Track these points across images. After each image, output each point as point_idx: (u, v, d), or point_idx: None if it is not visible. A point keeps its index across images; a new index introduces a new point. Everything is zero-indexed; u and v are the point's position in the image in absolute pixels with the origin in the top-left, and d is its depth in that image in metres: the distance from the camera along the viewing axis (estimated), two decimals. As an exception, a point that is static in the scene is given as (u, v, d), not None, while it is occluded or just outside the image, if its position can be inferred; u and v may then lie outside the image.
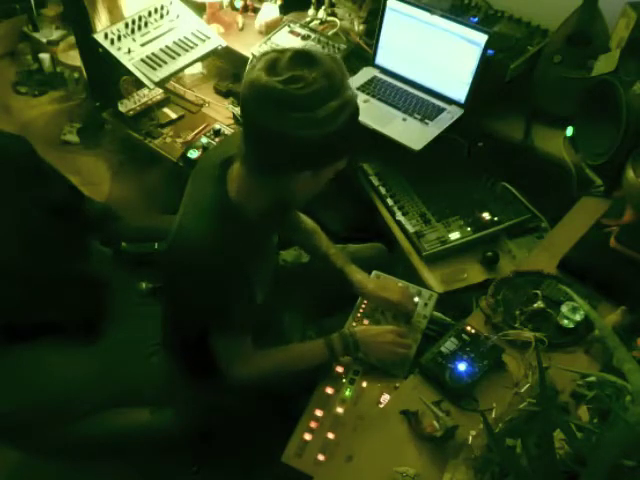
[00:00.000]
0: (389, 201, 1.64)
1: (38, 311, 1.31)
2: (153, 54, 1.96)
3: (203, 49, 2.02)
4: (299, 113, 0.93)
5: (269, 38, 2.02)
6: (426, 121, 1.69)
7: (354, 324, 1.37)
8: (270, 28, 2.07)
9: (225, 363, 1.23)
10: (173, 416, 1.44)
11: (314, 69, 0.94)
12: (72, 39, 2.55)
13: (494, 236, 1.55)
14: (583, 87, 1.53)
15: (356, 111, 1.00)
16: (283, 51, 0.97)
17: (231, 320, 1.17)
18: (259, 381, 1.29)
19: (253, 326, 1.22)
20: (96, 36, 1.94)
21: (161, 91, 2.21)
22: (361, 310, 1.40)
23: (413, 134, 1.64)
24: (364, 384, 1.25)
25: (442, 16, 1.65)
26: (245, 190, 1.10)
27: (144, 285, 1.59)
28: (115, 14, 2.17)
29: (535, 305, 1.24)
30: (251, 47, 2.00)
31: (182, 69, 2.01)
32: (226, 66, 2.36)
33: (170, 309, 1.36)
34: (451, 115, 1.70)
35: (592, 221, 1.41)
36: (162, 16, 2.06)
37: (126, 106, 2.16)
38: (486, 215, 1.56)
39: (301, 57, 0.95)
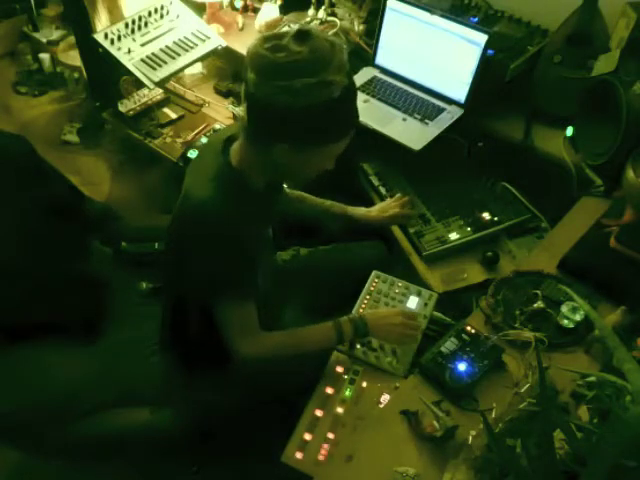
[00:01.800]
0: (389, 201, 1.64)
1: (38, 311, 1.31)
2: (153, 54, 1.96)
3: (203, 49, 2.02)
4: (278, 81, 0.98)
5: (269, 38, 2.02)
6: (426, 121, 1.69)
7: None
8: (270, 28, 2.07)
9: (231, 337, 1.21)
10: (173, 416, 1.44)
11: (304, 44, 0.99)
12: (72, 39, 2.54)
13: (494, 236, 1.54)
14: (583, 87, 1.53)
15: (338, 98, 1.01)
16: (292, 28, 1.03)
17: (236, 282, 1.17)
18: (265, 361, 1.27)
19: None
20: (96, 36, 1.94)
21: (161, 91, 2.21)
22: (361, 310, 1.40)
23: (413, 134, 1.64)
24: (364, 384, 1.25)
25: (442, 16, 1.65)
26: (245, 160, 1.15)
27: (144, 285, 1.60)
28: (115, 14, 2.17)
29: (535, 305, 1.24)
30: (251, 47, 2.00)
31: (182, 69, 2.01)
32: (226, 66, 2.36)
33: (172, 293, 1.35)
34: (451, 115, 1.70)
35: (592, 221, 1.41)
36: (162, 16, 2.06)
37: (126, 106, 2.16)
38: (486, 215, 1.56)
39: (300, 33, 1.00)
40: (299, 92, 0.98)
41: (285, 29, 1.05)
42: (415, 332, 1.29)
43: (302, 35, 1.00)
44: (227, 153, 1.17)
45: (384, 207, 1.58)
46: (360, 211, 1.57)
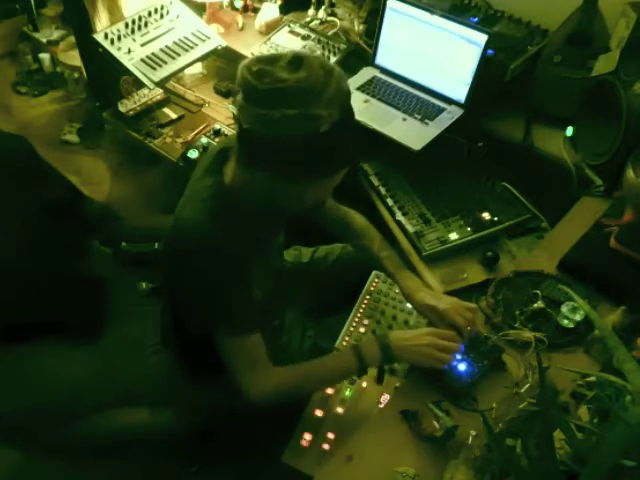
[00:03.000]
0: (389, 201, 1.64)
1: (38, 311, 1.31)
2: (153, 54, 1.96)
3: (203, 49, 2.02)
4: (258, 108, 0.93)
5: (269, 38, 2.02)
6: (426, 121, 1.69)
7: (350, 331, 1.37)
8: (270, 28, 2.07)
9: (237, 375, 1.13)
10: (173, 416, 1.44)
11: (295, 72, 0.92)
12: (72, 39, 2.54)
13: (494, 236, 1.54)
14: (583, 87, 1.53)
15: (325, 133, 0.93)
16: (289, 52, 0.97)
17: (228, 315, 1.10)
18: (276, 399, 1.15)
19: (260, 326, 1.14)
20: (96, 36, 1.94)
21: (161, 91, 2.22)
22: (361, 310, 1.40)
23: (413, 134, 1.64)
24: (364, 384, 1.25)
25: (442, 16, 1.64)
26: (236, 180, 1.10)
27: (144, 285, 1.60)
28: (115, 14, 2.17)
29: (535, 305, 1.24)
30: (251, 47, 2.01)
31: (182, 69, 2.00)
32: (226, 66, 2.36)
33: (170, 309, 1.36)
34: (451, 115, 1.70)
35: (592, 221, 1.41)
36: (162, 16, 2.06)
37: (126, 106, 2.16)
38: (486, 215, 1.56)
39: (294, 59, 0.94)
40: (276, 123, 0.91)
41: (285, 52, 0.97)
42: (446, 356, 1.12)
43: (295, 61, 0.94)
44: (220, 171, 1.12)
45: (435, 294, 1.25)
46: (407, 282, 1.26)
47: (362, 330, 1.36)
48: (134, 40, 1.97)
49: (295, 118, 0.91)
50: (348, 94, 0.98)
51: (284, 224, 1.35)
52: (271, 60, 0.95)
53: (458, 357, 1.14)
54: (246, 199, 1.10)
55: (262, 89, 0.92)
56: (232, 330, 1.11)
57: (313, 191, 1.07)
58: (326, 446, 1.16)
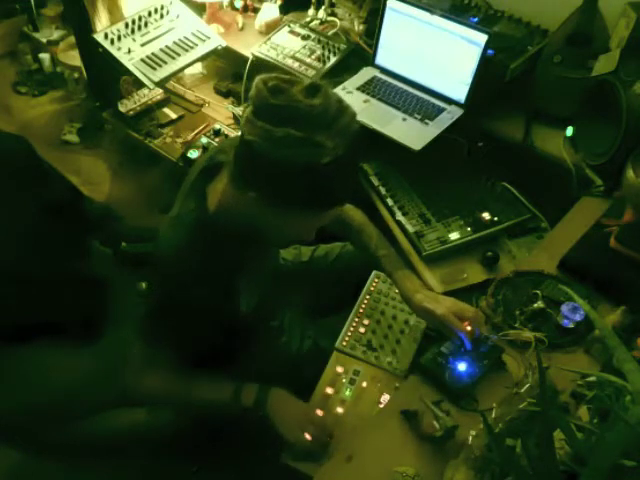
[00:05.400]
0: (389, 201, 1.64)
1: (38, 311, 1.31)
2: (153, 54, 1.96)
3: (203, 49, 2.02)
4: (263, 122, 0.91)
5: (269, 38, 2.02)
6: (426, 121, 1.68)
7: (350, 331, 1.36)
8: (270, 28, 2.07)
9: (129, 365, 1.19)
10: (172, 416, 1.44)
11: (308, 97, 0.91)
12: (72, 39, 2.54)
13: (494, 236, 1.54)
14: (583, 87, 1.53)
15: (325, 166, 0.91)
16: (307, 79, 0.97)
17: (164, 331, 1.15)
18: (145, 399, 1.27)
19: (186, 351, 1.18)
20: (96, 36, 1.94)
21: (161, 91, 2.22)
22: (361, 310, 1.40)
23: (413, 134, 1.64)
24: (364, 384, 1.25)
25: (442, 16, 1.64)
26: (222, 201, 1.09)
27: (144, 285, 1.60)
28: (115, 14, 2.17)
29: (535, 305, 1.24)
30: (251, 47, 2.00)
31: (182, 69, 2.00)
32: (226, 66, 2.36)
33: None
34: (451, 115, 1.70)
35: (592, 221, 1.41)
36: (162, 16, 2.06)
37: (126, 106, 2.17)
38: (486, 215, 1.56)
39: (311, 86, 0.93)
40: (279, 141, 0.89)
41: (305, 79, 0.95)
42: (309, 443, 1.13)
43: (313, 88, 0.93)
44: (203, 194, 1.11)
45: (434, 297, 1.21)
46: (406, 284, 1.23)
47: (362, 330, 1.36)
48: (134, 40, 1.97)
49: (298, 141, 0.89)
50: (356, 135, 0.95)
51: (268, 250, 1.35)
52: (290, 81, 0.94)
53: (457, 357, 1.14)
54: (228, 226, 1.09)
55: (273, 104, 0.90)
56: (154, 341, 1.17)
57: (297, 225, 1.07)
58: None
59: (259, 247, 1.27)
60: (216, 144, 1.95)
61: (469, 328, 1.15)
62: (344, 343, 1.32)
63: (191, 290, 1.09)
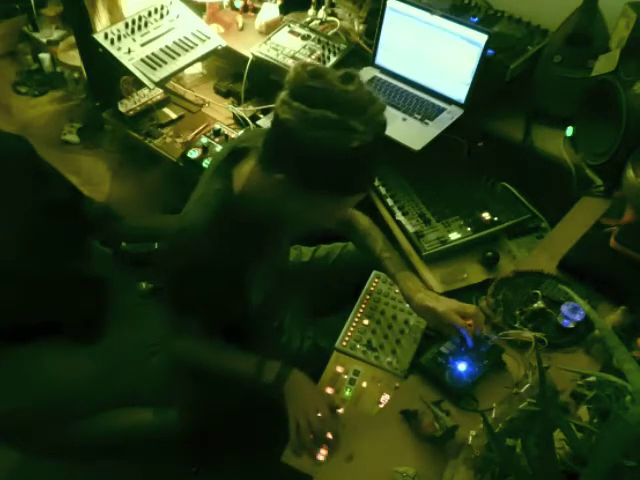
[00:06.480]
0: (389, 201, 1.64)
1: (38, 311, 1.31)
2: (153, 54, 1.96)
3: (203, 49, 2.02)
4: (299, 103, 0.94)
5: (269, 38, 2.02)
6: (426, 121, 1.69)
7: (350, 331, 1.36)
8: (270, 28, 2.07)
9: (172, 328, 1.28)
10: (172, 416, 1.44)
11: (344, 83, 0.95)
12: (72, 39, 2.54)
13: (494, 236, 1.54)
14: (583, 87, 1.53)
15: (354, 150, 0.94)
16: (342, 70, 0.99)
17: (193, 305, 1.18)
18: (187, 361, 1.33)
19: (217, 323, 1.23)
20: (96, 36, 1.94)
21: (161, 91, 2.22)
22: (361, 310, 1.40)
23: (413, 134, 1.64)
24: (364, 384, 1.25)
25: (442, 16, 1.65)
26: (248, 184, 1.12)
27: (144, 285, 1.60)
28: (115, 14, 2.17)
29: (535, 305, 1.24)
30: (251, 47, 2.01)
31: (182, 69, 2.00)
32: (226, 66, 2.36)
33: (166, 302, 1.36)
34: (451, 115, 1.70)
35: (592, 221, 1.41)
36: (162, 16, 2.06)
37: (126, 106, 2.17)
38: (486, 215, 1.56)
39: (347, 74, 0.97)
40: (314, 122, 0.93)
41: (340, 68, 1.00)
42: (309, 439, 1.13)
43: (348, 76, 0.96)
44: (229, 175, 1.14)
45: (435, 296, 1.22)
46: (408, 284, 1.24)
47: (362, 330, 1.35)
48: (134, 40, 1.97)
49: (333, 123, 0.92)
50: (384, 126, 0.99)
51: (288, 237, 1.37)
52: (326, 69, 0.98)
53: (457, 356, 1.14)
54: (252, 209, 1.11)
55: (311, 85, 0.94)
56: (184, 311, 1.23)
57: (319, 210, 1.08)
58: (326, 446, 1.15)
59: (277, 236, 1.30)
60: (216, 144, 1.94)
61: (470, 325, 1.15)
62: (344, 343, 1.32)
63: (210, 267, 1.10)
